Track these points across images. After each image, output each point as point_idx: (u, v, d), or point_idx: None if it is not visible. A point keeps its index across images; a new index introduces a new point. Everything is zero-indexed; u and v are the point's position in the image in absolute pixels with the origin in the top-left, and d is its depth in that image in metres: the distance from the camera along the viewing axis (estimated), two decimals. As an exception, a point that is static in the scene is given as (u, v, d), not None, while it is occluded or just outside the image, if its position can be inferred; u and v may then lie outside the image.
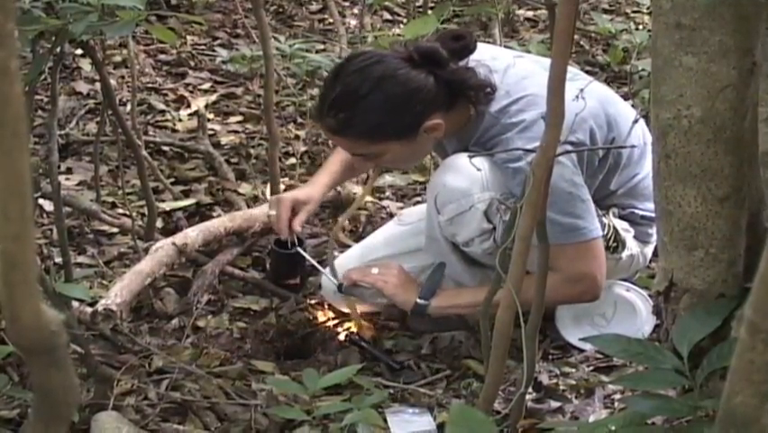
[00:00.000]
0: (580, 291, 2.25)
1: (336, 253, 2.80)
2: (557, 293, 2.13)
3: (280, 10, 4.97)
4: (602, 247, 2.24)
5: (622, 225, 2.36)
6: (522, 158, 2.10)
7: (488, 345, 1.79)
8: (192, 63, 4.39)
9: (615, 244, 2.33)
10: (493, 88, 2.22)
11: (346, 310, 2.56)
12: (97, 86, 3.82)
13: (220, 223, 2.76)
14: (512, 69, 2.27)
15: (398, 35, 4.09)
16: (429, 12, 3.94)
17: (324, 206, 3.08)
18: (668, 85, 1.47)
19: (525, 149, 2.04)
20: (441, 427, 2.08)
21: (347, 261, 2.57)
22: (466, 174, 2.19)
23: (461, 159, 2.22)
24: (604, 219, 2.32)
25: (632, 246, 2.38)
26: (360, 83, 2.16)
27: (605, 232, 2.30)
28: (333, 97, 2.18)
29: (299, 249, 2.54)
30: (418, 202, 3.06)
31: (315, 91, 3.88)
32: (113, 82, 3.74)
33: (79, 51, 4.02)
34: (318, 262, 2.81)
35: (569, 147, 2.07)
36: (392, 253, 2.52)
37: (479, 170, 2.17)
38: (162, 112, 3.91)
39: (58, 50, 2.24)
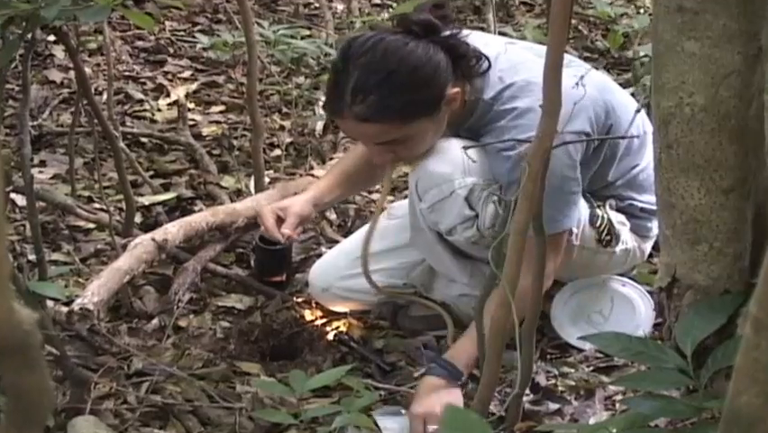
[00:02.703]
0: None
1: (324, 249, 2.81)
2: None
3: (264, -6, 4.97)
4: (565, 240, 2.25)
5: (618, 218, 2.37)
6: (517, 146, 2.11)
7: (482, 344, 1.79)
8: (171, 50, 4.38)
9: (608, 237, 2.35)
10: (489, 62, 2.22)
11: (335, 309, 2.56)
12: (71, 74, 3.81)
13: (202, 218, 2.75)
14: (503, 55, 2.28)
15: (388, 20, 4.09)
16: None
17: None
18: (669, 72, 1.47)
19: (519, 139, 2.04)
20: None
21: (336, 256, 2.58)
22: (448, 159, 2.20)
23: (444, 143, 2.23)
24: (598, 211, 2.34)
25: (627, 240, 2.40)
26: (380, 58, 2.12)
27: (598, 224, 2.32)
28: (354, 83, 2.12)
29: (284, 245, 2.54)
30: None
31: (301, 79, 3.88)
32: (88, 70, 3.73)
33: (52, 38, 4.00)
34: (304, 259, 2.81)
35: (567, 137, 2.07)
36: (381, 249, 2.52)
37: (474, 161, 2.17)
38: (140, 101, 3.90)
39: (29, 36, 2.23)
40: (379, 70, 2.12)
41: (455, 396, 2.11)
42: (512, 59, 2.27)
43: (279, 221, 2.44)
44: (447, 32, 2.20)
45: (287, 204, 2.48)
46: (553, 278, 2.26)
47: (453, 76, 2.19)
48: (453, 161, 2.18)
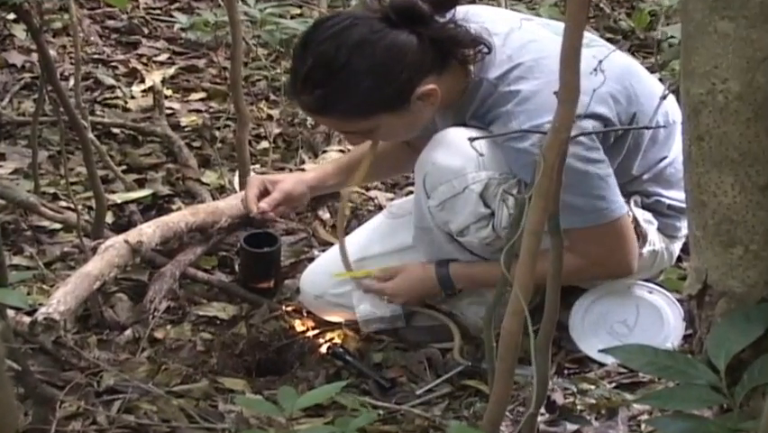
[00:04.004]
0: (610, 272, 2.37)
1: (316, 252, 2.81)
2: (585, 276, 2.38)
3: (249, -32, 4.97)
4: (628, 223, 2.30)
5: (644, 216, 2.37)
6: (526, 137, 2.11)
7: (492, 358, 1.79)
8: (146, 30, 4.38)
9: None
10: (489, 47, 2.22)
11: (328, 318, 2.56)
12: (34, 57, 3.81)
13: (180, 217, 2.75)
14: (516, 32, 2.28)
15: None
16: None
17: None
18: (701, 55, 1.47)
19: (530, 130, 2.04)
20: None
21: (330, 260, 2.58)
22: (459, 150, 2.20)
23: (454, 133, 2.23)
24: (623, 208, 2.35)
25: (655, 241, 2.40)
26: (334, 52, 2.17)
27: None
28: (305, 72, 2.18)
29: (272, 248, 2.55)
30: (411, 192, 3.06)
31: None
32: (52, 53, 3.73)
33: (12, 16, 4.00)
34: (295, 263, 2.81)
35: (584, 122, 2.07)
36: (383, 251, 2.53)
37: (481, 154, 2.17)
38: (111, 88, 3.90)
39: (-12, 15, 2.23)
40: (333, 62, 2.17)
41: (418, 290, 2.46)
42: (524, 36, 2.27)
43: (266, 194, 2.46)
44: (441, 20, 2.20)
45: (279, 178, 2.51)
46: (632, 262, 2.33)
47: (438, 68, 2.20)
48: (465, 153, 2.18)
